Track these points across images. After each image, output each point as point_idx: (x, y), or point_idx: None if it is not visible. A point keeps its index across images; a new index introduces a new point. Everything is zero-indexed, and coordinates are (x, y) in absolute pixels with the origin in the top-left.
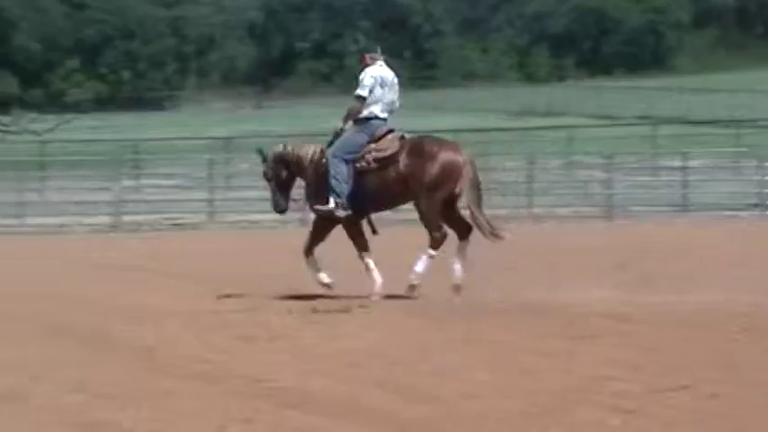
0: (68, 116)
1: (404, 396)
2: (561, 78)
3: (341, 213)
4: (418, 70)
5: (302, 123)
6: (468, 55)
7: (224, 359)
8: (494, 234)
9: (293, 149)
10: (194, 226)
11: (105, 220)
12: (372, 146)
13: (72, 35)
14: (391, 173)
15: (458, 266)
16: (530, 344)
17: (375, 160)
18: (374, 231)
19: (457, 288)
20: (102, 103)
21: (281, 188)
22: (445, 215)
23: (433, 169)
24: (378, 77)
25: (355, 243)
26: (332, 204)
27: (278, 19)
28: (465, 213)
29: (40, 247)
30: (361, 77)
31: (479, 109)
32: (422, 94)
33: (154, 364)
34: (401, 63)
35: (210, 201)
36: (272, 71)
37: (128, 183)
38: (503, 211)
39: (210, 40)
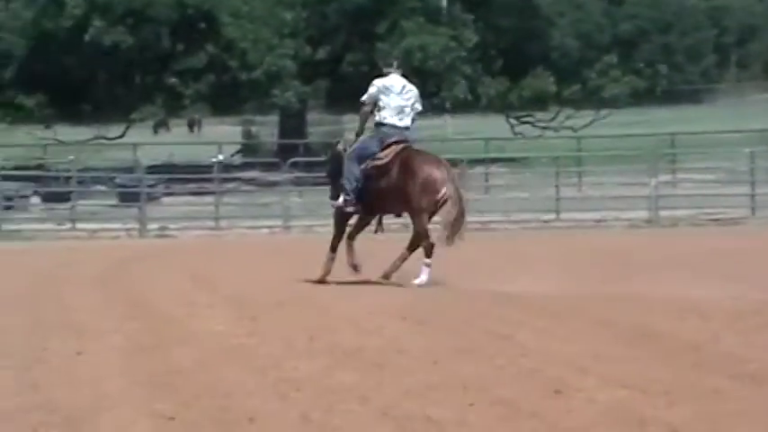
0: (604, 112)
1: None
2: None
3: (350, 209)
4: None
5: None
6: None
7: None
8: (447, 238)
9: None
10: (735, 221)
11: (642, 215)
12: (378, 153)
13: (609, 31)
14: (385, 182)
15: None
16: None
17: (374, 167)
18: (376, 230)
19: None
20: (638, 98)
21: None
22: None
23: (416, 186)
24: (382, 86)
25: (353, 228)
26: (341, 201)
27: None
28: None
29: (575, 242)
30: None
31: None
32: None
33: (699, 361)
34: None
35: (752, 195)
36: None
37: (664, 177)
38: None
39: (752, 29)
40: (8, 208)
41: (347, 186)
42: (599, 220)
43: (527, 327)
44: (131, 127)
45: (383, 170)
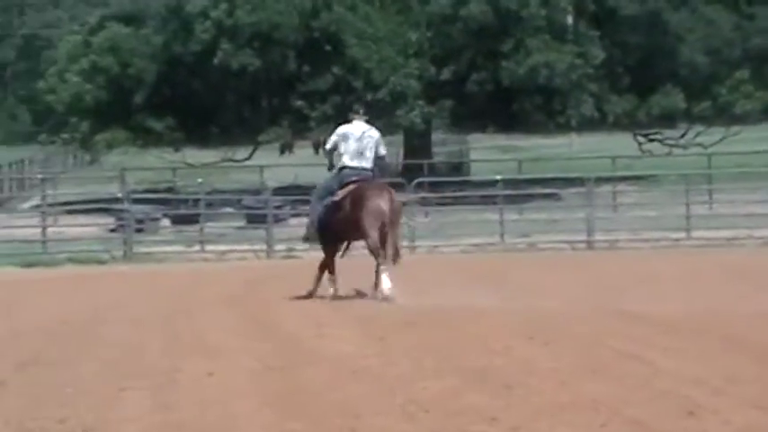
0: (735, 128)
1: None
2: None
3: (309, 239)
4: None
5: None
6: None
7: None
8: (393, 257)
9: None
10: None
11: None
12: (337, 191)
13: (739, 45)
14: (341, 215)
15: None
16: None
17: (332, 203)
18: (342, 254)
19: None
20: None
21: None
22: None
23: (366, 215)
24: (342, 134)
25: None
26: (303, 232)
27: None
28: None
29: (706, 260)
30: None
31: None
32: None
33: None
34: None
35: None
36: None
37: None
38: None
39: None
40: (139, 230)
41: (309, 219)
42: (730, 239)
43: (656, 346)
44: (258, 149)
45: (339, 205)
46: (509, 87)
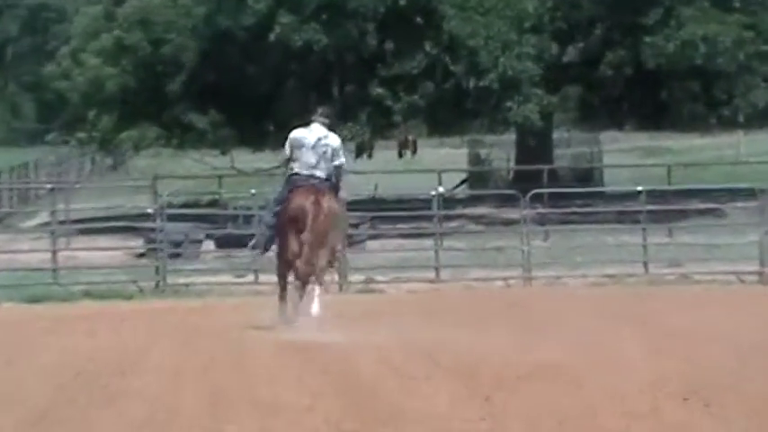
0: None
1: None
2: None
3: (260, 253)
4: None
5: None
6: None
7: None
8: (301, 274)
9: None
10: None
11: None
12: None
13: None
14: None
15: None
16: None
17: (280, 211)
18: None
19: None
20: None
21: None
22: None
23: (281, 220)
24: (294, 140)
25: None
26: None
27: None
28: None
29: None
30: None
31: None
32: None
33: None
34: None
35: None
36: None
37: None
38: None
39: None
40: (175, 256)
41: (259, 232)
42: None
43: None
44: None
45: (283, 212)
46: (654, 70)
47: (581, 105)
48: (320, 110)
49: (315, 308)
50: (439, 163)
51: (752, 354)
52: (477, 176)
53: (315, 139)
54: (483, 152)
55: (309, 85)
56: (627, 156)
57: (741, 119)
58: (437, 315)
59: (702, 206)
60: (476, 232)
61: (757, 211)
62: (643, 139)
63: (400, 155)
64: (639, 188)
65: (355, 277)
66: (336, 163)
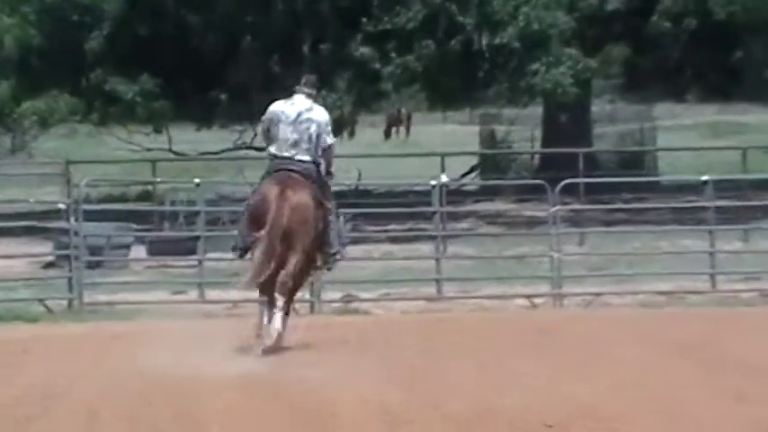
0: None
1: None
2: None
3: (237, 255)
4: None
5: None
6: None
7: None
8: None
9: None
10: None
11: None
12: None
13: None
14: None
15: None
16: None
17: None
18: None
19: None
20: None
21: None
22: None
23: (249, 206)
24: (272, 115)
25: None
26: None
27: None
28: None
29: None
30: None
31: None
32: None
33: None
34: None
35: None
36: None
37: None
38: None
39: None
40: (94, 266)
41: (239, 230)
42: None
43: None
44: None
45: (246, 206)
46: (725, 22)
47: (628, 69)
48: (305, 78)
49: (274, 327)
50: (441, 144)
51: None
52: (492, 162)
53: (295, 113)
54: (500, 130)
55: (272, 43)
56: (689, 135)
57: None
58: (438, 344)
59: None
60: (490, 235)
61: None
62: (710, 114)
63: (387, 134)
64: (705, 178)
65: (331, 294)
66: (326, 143)
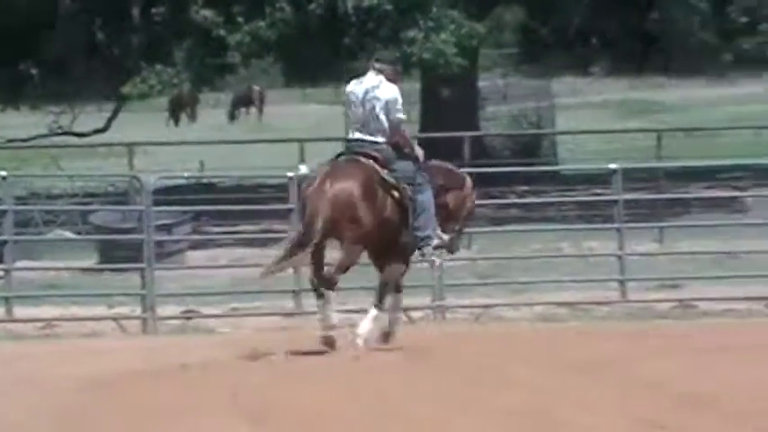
0: None
1: None
2: None
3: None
4: None
5: None
6: None
7: None
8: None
9: None
10: None
11: None
12: None
13: None
14: None
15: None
16: None
17: None
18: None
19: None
20: None
21: None
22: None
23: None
24: (347, 96)
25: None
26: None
27: None
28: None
29: None
30: None
31: None
32: None
33: None
34: None
35: None
36: None
37: None
38: None
39: None
40: None
41: None
42: None
43: None
44: (121, 111)
45: None
46: None
47: (523, 37)
48: (377, 54)
49: (358, 332)
50: (301, 128)
51: None
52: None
53: (362, 92)
54: None
55: (95, 6)
56: (594, 116)
57: None
58: (297, 366)
59: (711, 194)
60: None
61: None
62: (620, 90)
63: (231, 116)
64: (613, 166)
65: (167, 309)
66: (395, 120)
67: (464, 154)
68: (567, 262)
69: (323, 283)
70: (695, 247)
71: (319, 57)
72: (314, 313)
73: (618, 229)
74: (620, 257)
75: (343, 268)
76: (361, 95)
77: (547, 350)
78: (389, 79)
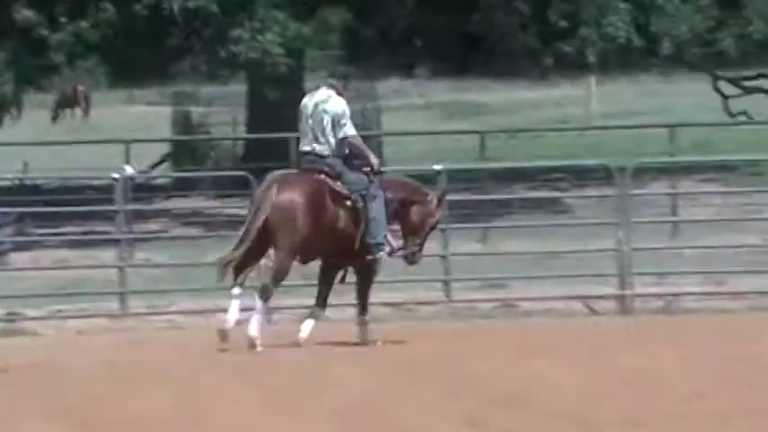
0: None
1: None
2: None
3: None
4: None
5: None
6: None
7: None
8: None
9: None
10: None
11: None
12: None
13: None
14: None
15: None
16: None
17: None
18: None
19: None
20: None
21: None
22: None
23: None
24: (301, 108)
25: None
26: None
27: None
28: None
29: None
30: None
31: None
32: None
33: None
34: None
35: None
36: None
37: None
38: None
39: None
40: None
41: None
42: None
43: None
44: None
45: None
46: None
47: (348, 38)
48: (330, 70)
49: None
50: (126, 129)
51: None
52: (188, 150)
53: (312, 105)
54: (196, 112)
55: None
56: (419, 117)
57: (592, 59)
58: (121, 370)
59: (532, 194)
60: (185, 238)
61: (614, 203)
62: (444, 91)
63: (55, 116)
64: (437, 167)
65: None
66: (341, 135)
67: (291, 156)
68: (390, 262)
69: (240, 282)
70: (518, 248)
71: (144, 57)
72: (140, 315)
73: (442, 230)
74: (444, 257)
75: (278, 279)
76: (311, 109)
77: (370, 350)
78: (339, 94)
